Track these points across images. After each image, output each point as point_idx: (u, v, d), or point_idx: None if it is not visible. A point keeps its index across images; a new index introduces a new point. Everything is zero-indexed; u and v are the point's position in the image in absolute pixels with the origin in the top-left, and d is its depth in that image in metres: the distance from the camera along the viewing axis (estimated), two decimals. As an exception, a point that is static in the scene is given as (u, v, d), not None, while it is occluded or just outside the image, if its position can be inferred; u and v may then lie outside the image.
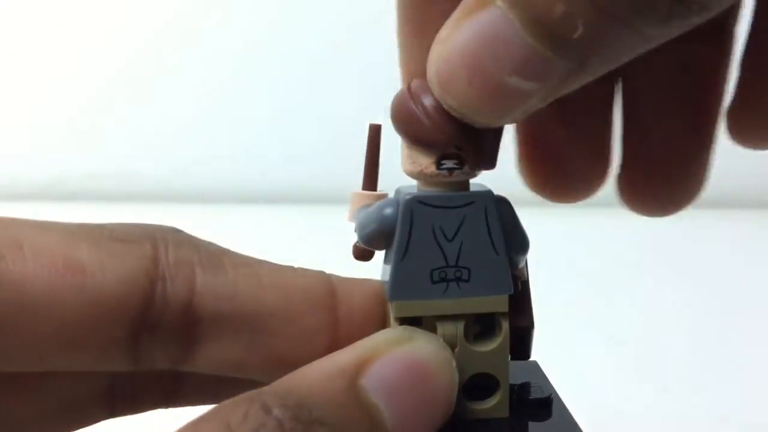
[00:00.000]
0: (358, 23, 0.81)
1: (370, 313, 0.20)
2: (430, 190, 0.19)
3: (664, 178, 0.21)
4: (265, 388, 0.16)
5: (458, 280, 0.19)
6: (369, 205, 0.20)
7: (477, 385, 0.20)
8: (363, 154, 0.22)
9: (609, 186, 0.23)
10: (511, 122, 0.16)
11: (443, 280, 0.19)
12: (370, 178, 0.21)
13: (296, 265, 0.21)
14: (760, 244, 0.71)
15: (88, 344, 0.18)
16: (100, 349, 0.18)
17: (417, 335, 0.18)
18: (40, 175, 0.87)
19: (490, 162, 0.19)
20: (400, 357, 0.18)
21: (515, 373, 0.21)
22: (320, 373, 0.17)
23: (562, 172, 0.22)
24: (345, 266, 0.22)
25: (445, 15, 0.16)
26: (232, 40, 0.86)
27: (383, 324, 0.20)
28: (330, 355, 0.18)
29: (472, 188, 0.19)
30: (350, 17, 0.81)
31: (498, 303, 0.19)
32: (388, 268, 0.19)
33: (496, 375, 0.20)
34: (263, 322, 0.19)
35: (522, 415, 0.21)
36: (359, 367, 0.17)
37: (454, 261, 0.19)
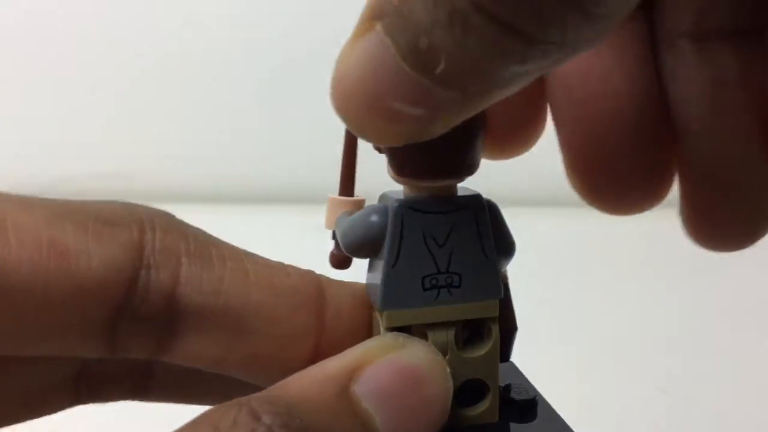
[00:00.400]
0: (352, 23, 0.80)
1: (358, 318, 0.20)
2: (418, 196, 0.19)
3: (732, 205, 0.20)
4: (255, 395, 0.16)
5: (449, 286, 0.19)
6: (350, 212, 0.20)
7: (465, 391, 0.20)
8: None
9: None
10: (416, 141, 0.15)
11: (434, 287, 0.19)
12: (347, 184, 0.21)
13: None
14: (760, 244, 0.70)
15: (67, 329, 0.18)
16: (78, 334, 0.18)
17: (410, 342, 0.18)
18: (40, 175, 0.87)
19: (415, 171, 0.18)
20: (392, 363, 0.17)
21: None
22: (311, 379, 0.17)
23: (617, 183, 0.20)
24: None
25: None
26: (231, 42, 0.86)
27: (370, 331, 0.20)
28: (321, 362, 0.17)
29: (459, 192, 0.19)
30: (345, 18, 0.81)
31: (488, 308, 0.19)
32: (377, 276, 0.19)
33: (486, 380, 0.20)
34: (247, 319, 0.19)
35: (509, 417, 0.20)
36: (351, 373, 0.17)
37: (445, 267, 0.19)
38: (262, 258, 0.20)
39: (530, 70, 0.14)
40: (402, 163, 0.18)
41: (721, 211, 0.20)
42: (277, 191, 0.84)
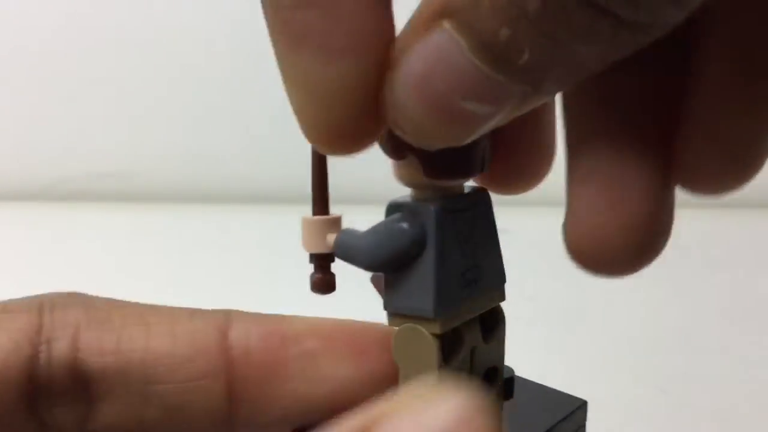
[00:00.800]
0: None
1: (271, 354, 0.19)
2: (441, 196, 0.19)
3: (621, 229, 0.18)
4: None
5: (476, 279, 0.19)
6: (351, 230, 0.19)
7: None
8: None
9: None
10: (469, 140, 0.15)
11: (468, 282, 0.19)
12: (321, 202, 0.20)
13: (291, 271, 0.20)
14: (760, 244, 0.71)
15: None
16: (4, 424, 0.18)
17: (448, 392, 0.14)
18: (40, 175, 0.87)
19: (450, 171, 0.18)
20: (416, 419, 0.14)
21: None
22: None
23: (501, 161, 0.20)
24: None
25: (324, 17, 0.14)
26: (232, 42, 0.86)
27: (286, 365, 0.19)
28: (331, 422, 0.14)
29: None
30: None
31: (501, 294, 0.20)
32: (418, 286, 0.18)
33: (499, 366, 0.20)
34: (152, 370, 0.19)
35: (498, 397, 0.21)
36: (365, 429, 0.13)
37: (472, 261, 0.19)
38: (167, 308, 0.20)
39: (612, 56, 0.13)
40: (436, 164, 0.18)
41: (612, 234, 0.18)
42: (277, 191, 0.84)
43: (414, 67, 0.14)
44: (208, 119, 0.87)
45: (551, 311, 0.56)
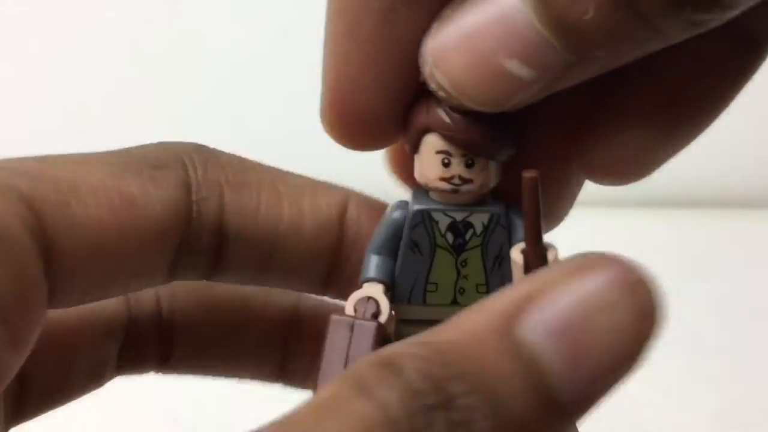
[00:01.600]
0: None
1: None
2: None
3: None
4: (396, 344, 0.13)
5: None
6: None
7: None
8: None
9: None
10: (500, 110, 0.15)
11: None
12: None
13: None
14: (760, 244, 0.70)
15: (141, 271, 0.19)
16: (148, 274, 0.19)
17: (601, 260, 0.14)
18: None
19: None
20: (575, 291, 0.13)
21: None
22: (466, 321, 0.13)
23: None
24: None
25: (383, 8, 0.15)
26: (236, 41, 0.86)
27: None
28: (482, 301, 0.14)
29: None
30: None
31: None
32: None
33: None
34: (278, 238, 0.20)
35: None
36: (517, 309, 0.13)
37: None
38: (294, 178, 0.21)
39: (673, 34, 0.13)
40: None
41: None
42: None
43: (467, 20, 0.14)
44: (209, 119, 0.87)
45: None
